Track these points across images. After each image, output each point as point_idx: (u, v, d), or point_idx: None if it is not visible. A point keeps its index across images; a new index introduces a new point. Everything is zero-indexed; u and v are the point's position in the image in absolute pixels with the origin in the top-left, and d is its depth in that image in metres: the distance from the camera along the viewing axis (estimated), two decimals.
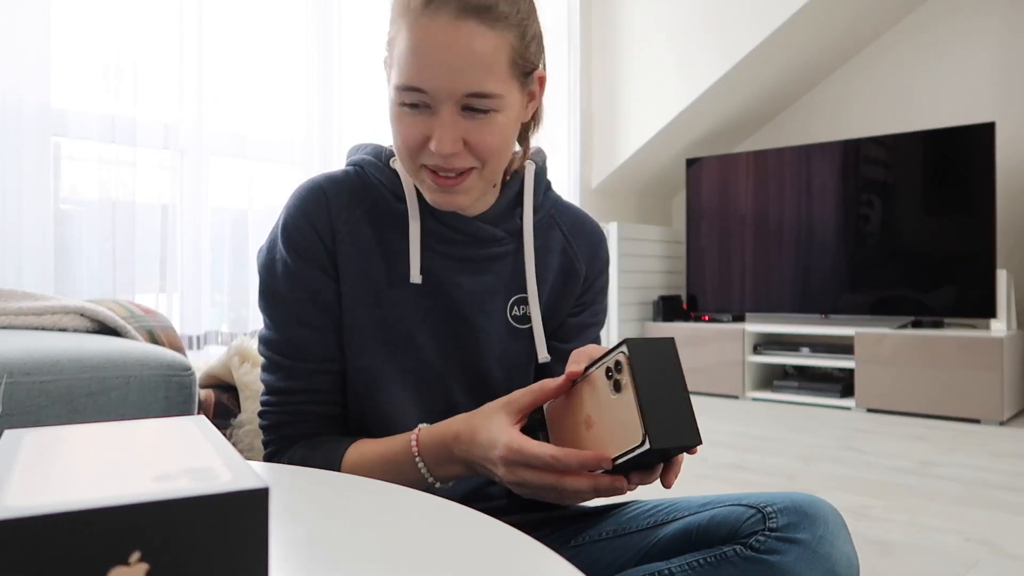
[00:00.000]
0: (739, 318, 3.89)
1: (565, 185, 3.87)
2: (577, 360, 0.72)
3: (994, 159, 3.08)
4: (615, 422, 0.65)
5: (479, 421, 0.73)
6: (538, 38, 0.80)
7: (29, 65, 2.08)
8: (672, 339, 0.67)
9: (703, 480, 2.22)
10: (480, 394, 0.87)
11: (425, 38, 0.72)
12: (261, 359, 0.87)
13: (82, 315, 1.19)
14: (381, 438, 0.82)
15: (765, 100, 3.96)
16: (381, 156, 0.88)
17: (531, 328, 0.90)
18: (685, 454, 0.67)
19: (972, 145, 3.16)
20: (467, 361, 0.87)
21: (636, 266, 4.00)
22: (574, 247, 0.93)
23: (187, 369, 1.02)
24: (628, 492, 0.69)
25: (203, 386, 1.26)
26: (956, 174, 3.21)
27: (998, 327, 3.18)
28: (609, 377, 0.66)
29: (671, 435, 0.62)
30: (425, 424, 0.79)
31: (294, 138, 2.73)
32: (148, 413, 0.97)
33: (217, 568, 0.29)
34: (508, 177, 0.91)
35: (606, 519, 0.84)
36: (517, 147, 0.90)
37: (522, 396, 0.73)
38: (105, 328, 1.20)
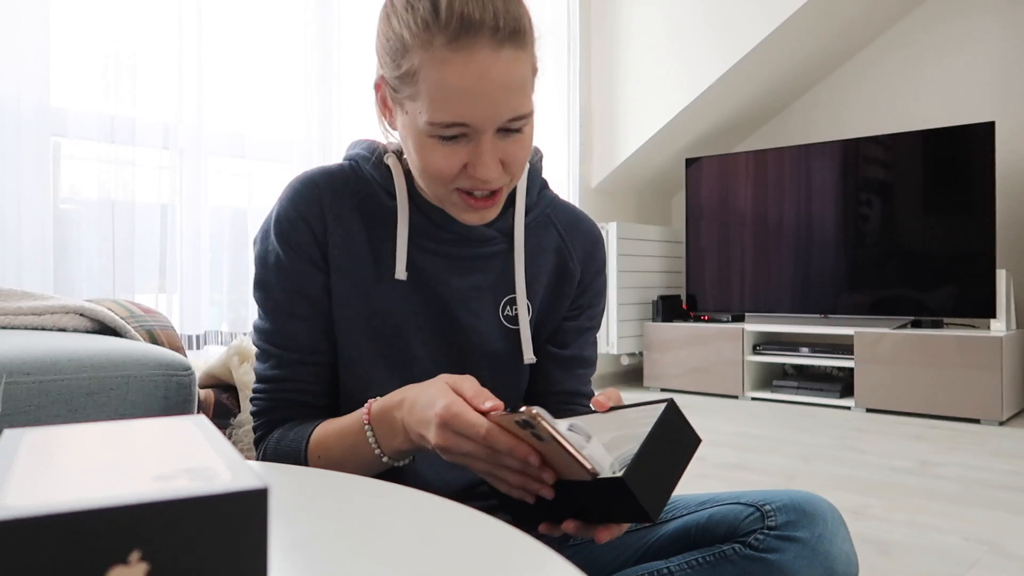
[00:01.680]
0: (738, 318, 3.89)
1: (564, 185, 3.86)
2: (608, 396, 0.70)
3: (994, 159, 3.08)
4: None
5: (425, 385, 0.71)
6: None
7: (28, 65, 2.08)
8: (700, 440, 0.65)
9: (703, 480, 2.22)
10: None
11: (466, 73, 0.70)
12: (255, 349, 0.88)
13: (81, 315, 1.19)
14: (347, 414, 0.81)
15: (765, 99, 3.96)
16: (375, 152, 0.88)
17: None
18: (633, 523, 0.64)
19: (972, 144, 3.16)
20: (455, 358, 0.87)
21: (635, 266, 4.00)
22: (569, 247, 0.92)
23: (187, 369, 1.02)
24: (559, 533, 0.67)
25: (203, 386, 1.27)
26: (956, 173, 3.21)
27: (998, 327, 3.18)
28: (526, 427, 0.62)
29: (643, 488, 0.61)
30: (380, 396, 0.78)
31: (294, 138, 2.73)
32: (148, 413, 0.97)
33: (217, 568, 0.29)
34: None
35: None
36: None
37: (471, 384, 0.69)
38: (105, 328, 1.20)
